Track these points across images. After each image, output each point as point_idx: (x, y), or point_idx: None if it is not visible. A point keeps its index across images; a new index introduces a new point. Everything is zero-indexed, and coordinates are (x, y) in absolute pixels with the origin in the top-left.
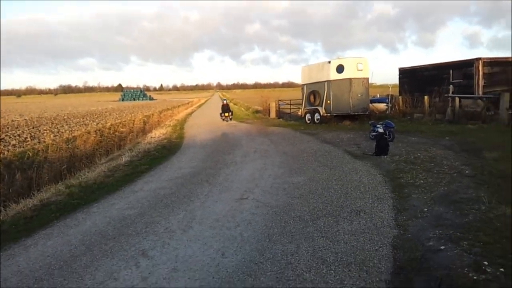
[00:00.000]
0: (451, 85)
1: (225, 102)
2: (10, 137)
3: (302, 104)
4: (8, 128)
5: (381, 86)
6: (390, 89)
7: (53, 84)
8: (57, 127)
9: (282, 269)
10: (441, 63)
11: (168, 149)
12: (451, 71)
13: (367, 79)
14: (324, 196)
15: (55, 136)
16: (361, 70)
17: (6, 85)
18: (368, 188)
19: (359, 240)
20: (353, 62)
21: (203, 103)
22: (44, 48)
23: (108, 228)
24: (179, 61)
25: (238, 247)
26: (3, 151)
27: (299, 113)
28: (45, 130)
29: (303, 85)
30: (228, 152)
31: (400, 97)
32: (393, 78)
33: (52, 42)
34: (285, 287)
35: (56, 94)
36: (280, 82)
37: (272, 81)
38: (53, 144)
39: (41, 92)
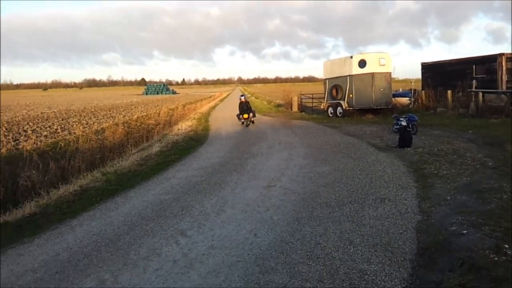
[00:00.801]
0: (474, 80)
1: (243, 98)
2: (41, 129)
3: (324, 98)
4: (38, 120)
5: (404, 81)
6: (412, 83)
7: (78, 78)
8: (86, 119)
9: (312, 248)
10: (464, 58)
11: (196, 141)
12: (474, 66)
13: (389, 73)
14: (349, 184)
15: (84, 127)
16: (384, 65)
17: (32, 79)
18: (392, 178)
19: (384, 224)
20: (375, 57)
21: (225, 97)
22: (68, 43)
23: (147, 211)
24: (200, 56)
25: (269, 228)
26: (36, 142)
27: (322, 106)
28: (74, 122)
29: (325, 79)
30: (253, 144)
31: (423, 92)
32: (416, 73)
33: (76, 37)
34: (315, 264)
35: (81, 88)
36: (301, 76)
37: (293, 76)
38: (83, 135)
39: (66, 86)
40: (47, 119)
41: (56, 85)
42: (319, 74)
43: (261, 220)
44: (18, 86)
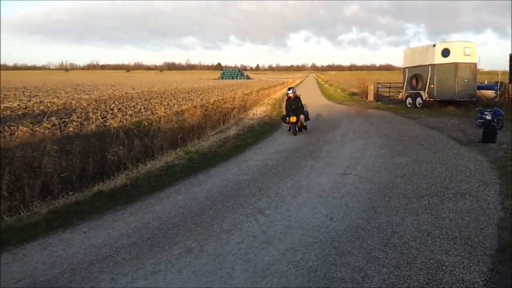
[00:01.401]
0: None
1: (290, 92)
2: (126, 108)
3: (403, 87)
4: (123, 99)
5: (489, 73)
6: (499, 76)
7: (158, 61)
8: (166, 101)
9: (388, 236)
10: None
11: (270, 125)
12: None
13: (475, 64)
14: (428, 177)
15: (165, 109)
16: (469, 55)
17: (115, 60)
18: (474, 173)
19: (464, 219)
20: (460, 46)
21: (298, 84)
22: (150, 26)
23: (227, 189)
24: (275, 41)
25: (345, 214)
26: (122, 120)
27: (400, 96)
28: (156, 103)
29: (405, 68)
30: (327, 131)
31: (510, 85)
32: (503, 65)
33: (158, 21)
34: (391, 251)
35: (161, 70)
36: (378, 64)
37: (369, 63)
38: (164, 116)
39: (147, 68)
40: (131, 99)
41: (138, 67)
42: (397, 62)
43: (336, 205)
44: (104, 67)
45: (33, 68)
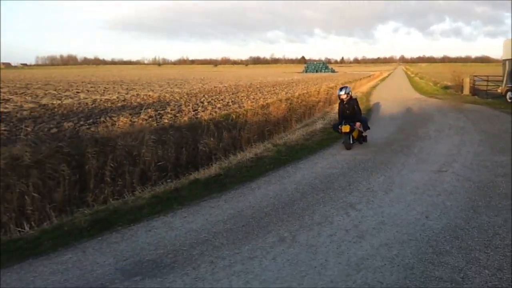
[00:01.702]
0: None
1: (343, 93)
2: (215, 101)
3: (502, 81)
4: (212, 93)
5: None
6: None
7: (243, 55)
8: (252, 95)
9: (490, 238)
10: None
11: None
12: None
13: None
14: None
15: (251, 102)
16: None
17: (204, 55)
18: None
19: None
20: None
21: (385, 77)
22: (237, 21)
23: (316, 182)
24: (361, 33)
25: (442, 213)
26: (211, 113)
27: (499, 90)
28: (242, 96)
29: (505, 60)
30: (419, 126)
31: None
32: None
33: (244, 15)
34: (493, 253)
35: (246, 65)
36: (473, 56)
37: (463, 55)
38: (251, 109)
39: (234, 63)
40: (219, 93)
41: (225, 61)
42: (496, 54)
43: (432, 203)
44: (193, 62)
45: (129, 62)
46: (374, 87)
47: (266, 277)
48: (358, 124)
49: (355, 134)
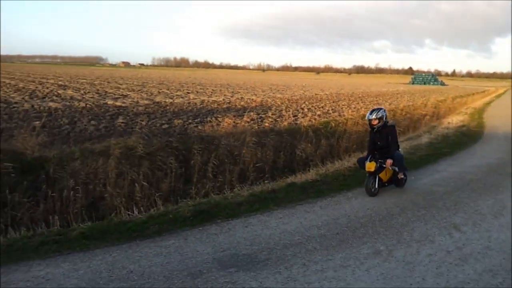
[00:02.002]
0: None
1: (373, 118)
2: (315, 108)
3: None
4: (312, 100)
5: None
6: None
7: (347, 64)
8: (354, 104)
9: None
10: None
11: (468, 136)
12: None
13: None
14: None
15: (352, 111)
16: None
17: (307, 63)
18: None
19: None
20: None
21: (501, 93)
22: (343, 30)
23: (418, 198)
24: (476, 46)
25: None
26: (311, 119)
27: None
28: (343, 105)
29: None
30: None
31: None
32: None
33: (351, 24)
34: None
35: (349, 74)
36: None
37: None
38: (351, 119)
39: (336, 71)
40: (320, 100)
41: (328, 69)
42: None
43: None
44: (296, 69)
45: (235, 67)
46: (488, 103)
47: (358, 287)
48: (389, 162)
49: (384, 175)
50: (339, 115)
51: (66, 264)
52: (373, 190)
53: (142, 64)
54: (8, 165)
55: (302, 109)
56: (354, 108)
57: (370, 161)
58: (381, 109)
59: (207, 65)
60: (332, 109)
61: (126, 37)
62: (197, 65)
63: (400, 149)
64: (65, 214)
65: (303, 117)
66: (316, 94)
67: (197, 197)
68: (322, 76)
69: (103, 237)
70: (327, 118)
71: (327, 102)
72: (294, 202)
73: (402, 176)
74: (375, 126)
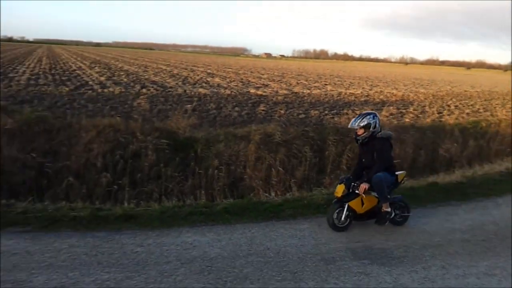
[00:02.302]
0: None
1: (356, 126)
2: (463, 106)
3: None
4: (461, 97)
5: None
6: None
7: (503, 59)
8: (509, 103)
9: None
10: None
11: None
12: None
13: None
14: None
15: (506, 111)
16: None
17: (456, 57)
18: None
19: None
20: None
21: None
22: (500, 22)
23: None
24: None
25: None
26: (458, 117)
27: None
28: (496, 104)
29: None
30: None
31: None
32: None
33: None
34: None
35: (505, 70)
36: None
37: None
38: (505, 119)
39: (490, 67)
40: (469, 98)
41: (480, 65)
42: None
43: None
44: (443, 63)
45: (375, 60)
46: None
47: None
48: (363, 186)
49: (357, 205)
50: (491, 115)
51: (211, 234)
52: (336, 222)
53: (283, 56)
54: (164, 141)
55: (449, 106)
56: (510, 108)
57: (340, 183)
58: (370, 114)
59: (346, 57)
60: (484, 108)
61: (269, 30)
62: (336, 57)
63: (400, 173)
64: (210, 190)
65: (448, 115)
66: (465, 91)
67: (330, 187)
68: (473, 72)
69: (243, 213)
70: (476, 117)
71: (478, 100)
72: (435, 202)
73: (387, 209)
74: (359, 137)
